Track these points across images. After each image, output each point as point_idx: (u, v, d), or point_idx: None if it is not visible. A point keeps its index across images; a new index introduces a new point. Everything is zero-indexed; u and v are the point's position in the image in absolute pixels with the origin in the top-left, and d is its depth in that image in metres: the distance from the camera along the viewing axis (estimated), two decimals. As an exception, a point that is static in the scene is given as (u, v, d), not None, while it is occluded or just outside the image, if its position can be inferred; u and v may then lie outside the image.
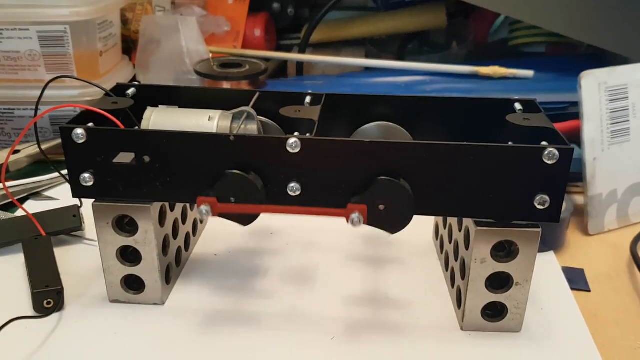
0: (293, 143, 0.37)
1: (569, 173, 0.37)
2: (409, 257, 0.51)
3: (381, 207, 0.38)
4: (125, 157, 0.40)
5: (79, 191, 0.40)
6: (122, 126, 0.41)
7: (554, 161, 0.36)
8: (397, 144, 0.38)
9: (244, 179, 0.38)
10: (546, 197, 0.37)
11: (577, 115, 0.54)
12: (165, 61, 0.76)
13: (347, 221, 0.37)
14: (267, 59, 0.80)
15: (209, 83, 0.73)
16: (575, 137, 0.54)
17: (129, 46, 0.82)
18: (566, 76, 0.67)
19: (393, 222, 0.38)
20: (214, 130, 0.41)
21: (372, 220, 0.38)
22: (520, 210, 0.38)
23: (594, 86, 0.53)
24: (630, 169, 0.55)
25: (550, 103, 0.64)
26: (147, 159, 0.39)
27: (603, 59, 0.73)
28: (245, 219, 0.40)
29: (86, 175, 0.39)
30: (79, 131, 0.38)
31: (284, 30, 0.94)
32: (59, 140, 0.39)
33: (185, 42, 0.75)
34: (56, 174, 0.61)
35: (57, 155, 0.59)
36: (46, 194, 0.60)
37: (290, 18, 0.93)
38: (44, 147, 0.64)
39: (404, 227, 0.38)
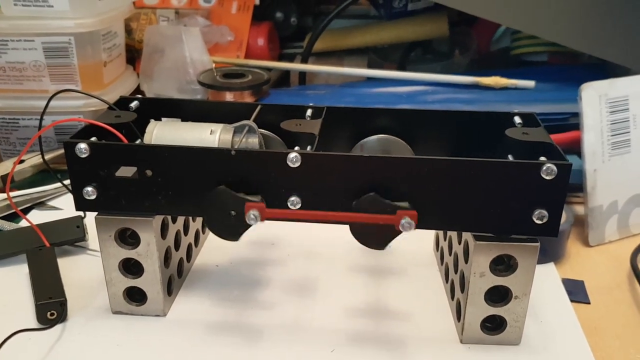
0: (293, 158, 0.38)
1: (568, 187, 0.37)
2: (409, 267, 0.51)
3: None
4: (127, 171, 0.40)
5: (82, 204, 0.41)
6: (125, 140, 0.41)
7: (552, 176, 0.36)
8: (397, 159, 0.38)
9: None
10: (544, 212, 0.37)
11: (578, 126, 0.54)
12: (168, 71, 0.77)
13: (397, 227, 0.37)
14: (270, 69, 0.81)
15: (212, 93, 0.74)
16: (576, 147, 0.55)
17: (133, 56, 0.82)
18: (567, 86, 0.67)
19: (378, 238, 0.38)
20: (216, 144, 0.42)
21: (358, 235, 0.38)
22: (519, 225, 0.38)
23: (595, 98, 0.53)
24: (630, 180, 0.55)
25: (552, 114, 0.64)
26: (149, 172, 0.39)
27: (605, 68, 0.73)
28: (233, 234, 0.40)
29: (89, 188, 0.40)
30: (82, 146, 0.39)
31: (287, 39, 0.95)
32: (63, 150, 0.39)
33: (188, 52, 0.76)
34: (60, 184, 0.61)
35: (61, 164, 0.59)
36: (50, 203, 0.61)
37: (293, 27, 0.94)
38: (48, 156, 0.65)
39: (386, 245, 0.38)
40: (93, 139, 0.40)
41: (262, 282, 0.49)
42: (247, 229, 0.39)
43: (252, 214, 0.38)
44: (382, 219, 0.37)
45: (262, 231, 0.40)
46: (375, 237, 0.38)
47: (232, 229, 0.39)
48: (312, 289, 0.48)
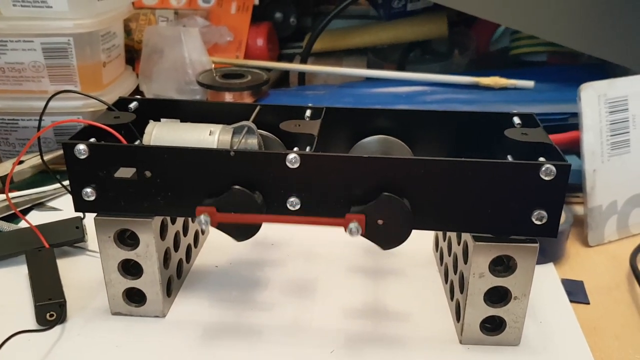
0: (292, 158, 0.38)
1: (567, 187, 0.37)
2: (409, 268, 0.51)
3: (380, 222, 0.38)
4: (126, 172, 0.40)
5: (81, 205, 0.41)
6: (124, 141, 0.41)
7: (551, 177, 0.36)
8: (395, 160, 0.38)
9: (244, 193, 0.38)
10: (544, 213, 0.37)
11: (577, 126, 0.54)
12: (168, 71, 0.77)
13: (345, 230, 0.37)
14: (269, 69, 0.81)
15: (211, 93, 0.74)
16: (576, 148, 0.55)
17: (132, 56, 0.82)
18: (567, 87, 0.67)
19: (389, 238, 0.38)
20: (215, 145, 0.42)
21: (370, 233, 0.38)
22: (518, 226, 0.38)
23: (594, 98, 0.53)
24: (630, 181, 0.55)
25: (551, 114, 0.64)
26: (148, 174, 0.39)
27: (604, 68, 0.73)
28: (241, 234, 0.40)
29: (88, 189, 0.40)
30: (81, 147, 0.39)
31: (286, 39, 0.95)
32: (62, 151, 0.39)
33: (187, 53, 0.76)
34: (59, 185, 0.61)
35: (61, 165, 0.59)
36: (50, 204, 0.61)
37: (293, 27, 0.94)
38: (47, 157, 0.65)
39: (398, 245, 0.38)
40: (92, 140, 0.40)
41: (261, 282, 0.49)
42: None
43: (202, 218, 0.38)
44: (331, 222, 0.38)
45: (261, 232, 0.40)
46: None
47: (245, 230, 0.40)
48: (312, 290, 0.48)
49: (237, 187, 0.38)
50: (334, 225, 0.38)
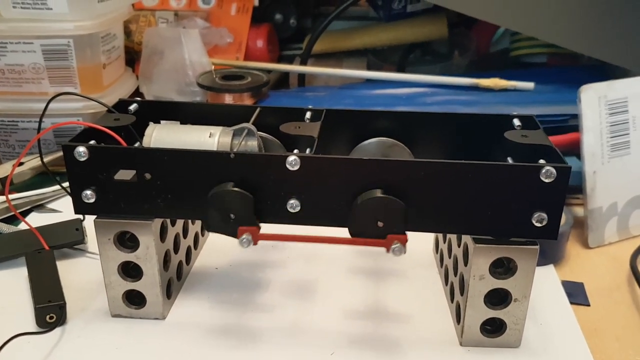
0: (292, 161, 0.38)
1: (567, 190, 0.37)
2: (409, 269, 0.51)
3: (380, 224, 0.38)
4: (126, 174, 0.40)
5: (81, 208, 0.40)
6: (124, 143, 0.41)
7: (552, 179, 0.36)
8: (395, 162, 0.38)
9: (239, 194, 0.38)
10: (544, 215, 0.37)
11: (577, 128, 0.54)
12: (168, 73, 0.77)
13: (388, 251, 0.38)
14: (269, 70, 0.81)
15: (211, 95, 0.74)
16: (576, 149, 0.55)
17: (132, 57, 0.83)
18: (567, 88, 0.67)
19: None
20: (215, 147, 0.42)
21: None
22: (518, 228, 0.38)
23: (594, 100, 0.53)
24: (630, 182, 0.55)
25: (551, 115, 0.64)
26: (148, 176, 0.39)
27: (604, 70, 0.73)
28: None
29: (88, 192, 0.40)
30: (81, 149, 0.39)
31: (286, 40, 0.95)
32: (62, 153, 0.39)
33: (187, 54, 0.76)
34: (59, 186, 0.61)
35: (60, 167, 0.59)
36: (49, 206, 0.61)
37: (293, 29, 0.94)
38: (47, 159, 0.65)
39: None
40: (92, 142, 0.40)
41: (261, 284, 0.49)
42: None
43: (245, 238, 0.39)
44: (374, 243, 0.38)
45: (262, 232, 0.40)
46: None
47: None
48: (312, 291, 0.48)
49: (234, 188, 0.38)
50: (376, 246, 0.38)
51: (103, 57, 0.67)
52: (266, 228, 0.40)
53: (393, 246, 0.38)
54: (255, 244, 0.39)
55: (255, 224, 0.39)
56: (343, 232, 0.39)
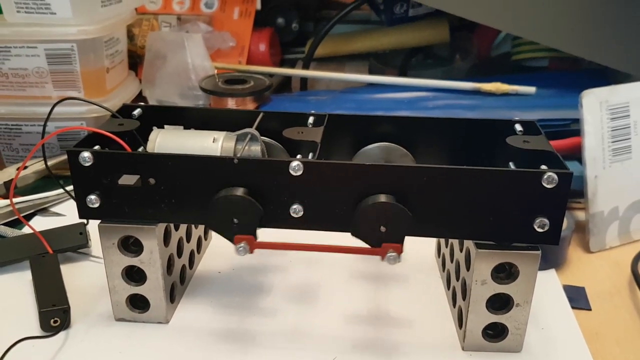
0: (296, 166, 0.38)
1: (568, 196, 0.37)
2: (411, 274, 0.51)
3: (383, 229, 0.38)
4: (130, 179, 0.41)
5: (85, 212, 0.41)
6: (128, 148, 0.41)
7: (553, 185, 0.36)
8: (398, 167, 0.38)
9: (244, 200, 0.39)
10: (546, 220, 0.37)
11: (579, 132, 0.54)
12: (171, 77, 0.77)
13: (383, 259, 0.39)
14: (271, 74, 0.81)
15: (214, 99, 0.74)
16: (577, 154, 0.55)
17: (135, 61, 0.83)
18: (568, 92, 0.67)
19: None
20: (218, 152, 0.42)
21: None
22: (520, 233, 0.38)
23: (595, 105, 0.53)
24: (631, 187, 0.55)
25: (553, 120, 0.64)
26: (152, 181, 0.40)
27: (606, 74, 0.73)
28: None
29: (92, 196, 0.40)
30: (86, 154, 0.39)
31: (288, 44, 0.95)
32: (66, 157, 0.40)
33: (190, 58, 0.76)
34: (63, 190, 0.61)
35: (64, 170, 0.59)
36: (53, 209, 0.61)
37: (295, 33, 0.95)
38: (51, 162, 0.65)
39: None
40: (96, 147, 0.41)
41: (264, 288, 0.49)
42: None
43: (241, 246, 0.39)
44: (370, 252, 0.39)
45: (264, 237, 0.40)
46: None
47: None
48: (314, 296, 0.48)
49: (237, 194, 0.39)
50: (371, 254, 0.39)
51: (106, 61, 0.67)
52: (268, 232, 0.40)
53: (388, 254, 0.38)
54: (251, 252, 0.39)
55: (254, 234, 0.39)
56: (342, 239, 0.39)
